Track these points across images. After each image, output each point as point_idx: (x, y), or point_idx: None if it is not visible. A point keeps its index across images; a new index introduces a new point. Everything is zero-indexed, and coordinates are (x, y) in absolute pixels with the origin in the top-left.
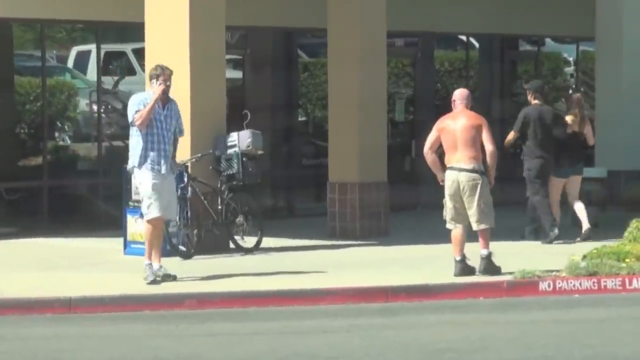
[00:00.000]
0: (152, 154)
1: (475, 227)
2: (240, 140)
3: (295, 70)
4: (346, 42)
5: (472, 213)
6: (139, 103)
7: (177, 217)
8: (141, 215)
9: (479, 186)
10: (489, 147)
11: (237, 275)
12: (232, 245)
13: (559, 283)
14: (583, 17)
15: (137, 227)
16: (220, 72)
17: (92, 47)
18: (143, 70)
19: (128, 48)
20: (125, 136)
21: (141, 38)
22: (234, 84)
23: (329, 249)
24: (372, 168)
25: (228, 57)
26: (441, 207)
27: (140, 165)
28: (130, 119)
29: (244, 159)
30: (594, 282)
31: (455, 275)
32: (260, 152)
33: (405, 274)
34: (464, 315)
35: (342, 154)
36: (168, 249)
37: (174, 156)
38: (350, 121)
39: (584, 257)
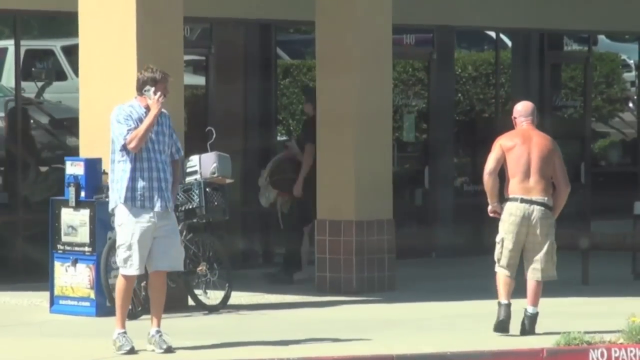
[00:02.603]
0: (141, 185)
1: (537, 276)
2: (202, 165)
3: (273, 76)
4: (340, 39)
5: (539, 259)
6: (126, 118)
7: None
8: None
9: (552, 226)
10: (566, 183)
11: (198, 340)
12: (191, 302)
13: (615, 352)
14: None
15: (67, 277)
16: (177, 77)
17: (9, 43)
18: (76, 73)
19: (56, 45)
20: (54, 159)
21: (73, 32)
22: (194, 92)
23: (317, 307)
24: (374, 202)
25: (187, 57)
26: (464, 252)
27: (126, 200)
28: (119, 142)
29: (207, 189)
30: None
31: (500, 318)
32: (228, 180)
33: (416, 340)
34: None
35: (334, 183)
36: (108, 307)
37: (174, 185)
38: (345, 143)
39: None
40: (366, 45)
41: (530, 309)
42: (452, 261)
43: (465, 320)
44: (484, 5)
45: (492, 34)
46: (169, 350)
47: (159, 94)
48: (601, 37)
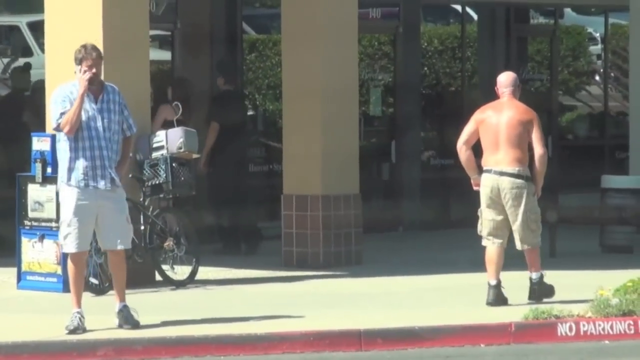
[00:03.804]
0: (81, 164)
1: (519, 246)
2: (169, 140)
3: (239, 50)
4: (305, 13)
5: (515, 229)
6: (64, 99)
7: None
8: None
9: (525, 195)
10: (538, 149)
11: (165, 315)
12: (158, 277)
13: (584, 325)
14: None
15: (34, 253)
16: (143, 52)
17: None
18: (42, 50)
19: (22, 21)
20: (20, 136)
21: (39, 8)
22: (160, 67)
23: (283, 282)
24: (340, 176)
25: (152, 33)
26: (431, 226)
27: (68, 180)
28: (53, 124)
29: (173, 164)
30: (629, 325)
31: (489, 303)
32: (195, 155)
33: (383, 314)
34: None
35: (300, 158)
36: None
37: (123, 162)
38: (311, 117)
39: (616, 291)
40: (331, 19)
41: (533, 275)
42: (419, 235)
43: (433, 294)
44: None
45: (458, 7)
46: (136, 326)
47: (83, 71)
48: (567, 10)
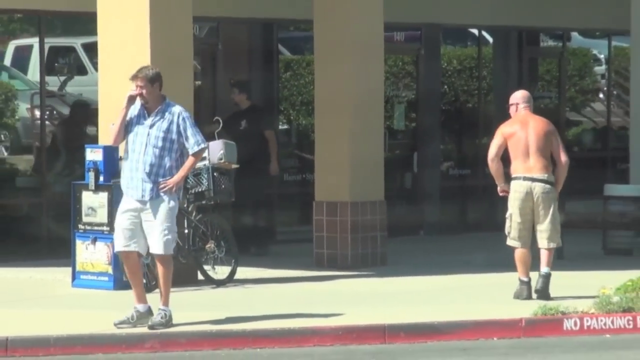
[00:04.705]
0: (125, 173)
1: (544, 244)
2: (210, 152)
3: (275, 70)
4: (336, 36)
5: (544, 229)
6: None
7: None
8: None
9: (553, 199)
10: (564, 158)
11: (207, 311)
12: (200, 277)
13: (587, 321)
14: (616, 7)
15: (87, 254)
16: (187, 71)
17: (34, 41)
18: (95, 68)
19: (77, 42)
20: (76, 147)
21: (93, 31)
22: (203, 85)
23: (315, 281)
24: (367, 184)
25: (196, 53)
26: (450, 230)
27: (121, 185)
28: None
29: (215, 174)
30: (628, 320)
31: (524, 297)
32: (234, 166)
33: (405, 310)
34: (475, 359)
35: (330, 167)
36: (125, 281)
37: (179, 172)
38: (341, 129)
39: (617, 290)
40: (360, 40)
41: (544, 269)
42: (439, 238)
43: (451, 292)
44: (467, 5)
45: (475, 31)
46: (151, 327)
47: (130, 89)
48: (574, 34)
